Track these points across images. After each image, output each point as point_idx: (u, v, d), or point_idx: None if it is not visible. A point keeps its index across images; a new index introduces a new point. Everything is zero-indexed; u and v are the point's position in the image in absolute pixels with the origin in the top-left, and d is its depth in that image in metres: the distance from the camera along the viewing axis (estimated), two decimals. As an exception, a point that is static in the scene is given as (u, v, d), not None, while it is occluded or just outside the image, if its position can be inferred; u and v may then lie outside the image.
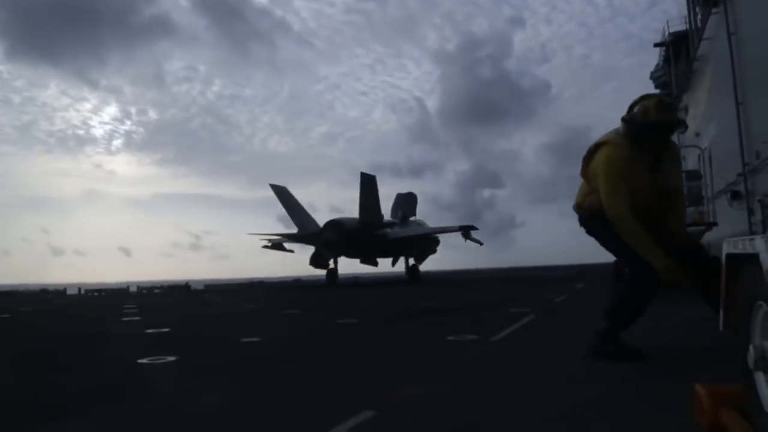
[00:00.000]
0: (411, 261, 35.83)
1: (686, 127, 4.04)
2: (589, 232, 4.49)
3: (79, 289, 40.32)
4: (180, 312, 13.69)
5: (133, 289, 40.73)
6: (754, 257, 1.74)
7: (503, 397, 3.14)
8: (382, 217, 31.39)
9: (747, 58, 11.92)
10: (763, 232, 10.05)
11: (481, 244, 35.38)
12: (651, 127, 3.71)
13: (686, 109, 21.35)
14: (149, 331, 7.93)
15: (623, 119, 3.88)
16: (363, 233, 30.23)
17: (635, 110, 3.79)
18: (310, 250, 32.65)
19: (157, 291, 39.22)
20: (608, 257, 5.31)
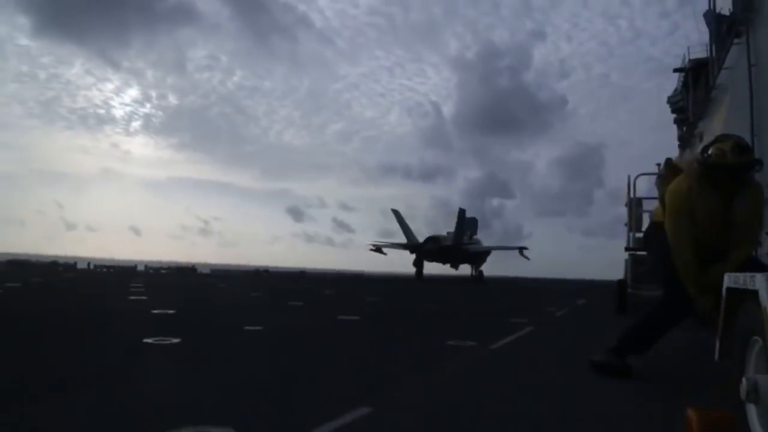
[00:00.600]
0: (476, 267, 53.20)
1: (762, 165, 4.03)
2: (648, 242, 4.65)
3: (89, 264, 40.74)
4: (186, 295, 13.84)
5: (140, 268, 41.07)
6: (753, 294, 1.79)
7: (498, 402, 3.20)
8: (466, 237, 50.14)
9: (765, 91, 11.87)
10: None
11: (528, 259, 53.97)
12: (727, 170, 3.69)
13: (701, 137, 21.25)
14: (156, 311, 8.05)
15: (697, 161, 3.85)
16: (454, 248, 48.29)
17: (710, 152, 3.75)
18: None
19: (164, 272, 39.56)
20: (609, 276, 5.42)
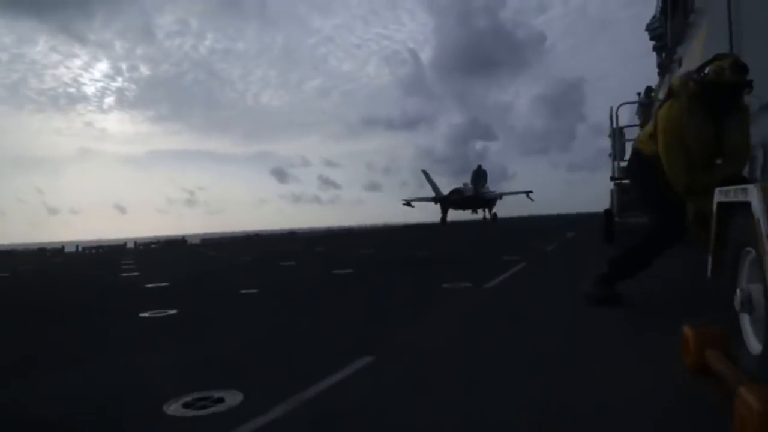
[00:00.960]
0: (490, 211, 67.50)
1: (752, 88, 3.96)
2: (632, 171, 4.53)
3: (77, 246, 40.30)
4: (178, 266, 13.80)
5: (130, 245, 40.78)
6: (745, 205, 1.78)
7: (496, 341, 3.24)
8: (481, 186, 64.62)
9: (744, 11, 11.74)
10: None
11: (533, 201, 69.28)
12: (724, 88, 3.64)
13: (680, 62, 21.01)
14: (149, 285, 8.02)
15: (693, 79, 3.79)
16: (474, 197, 63.53)
17: (707, 70, 3.69)
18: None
19: (153, 246, 39.34)
20: (596, 207, 5.45)
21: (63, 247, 40.44)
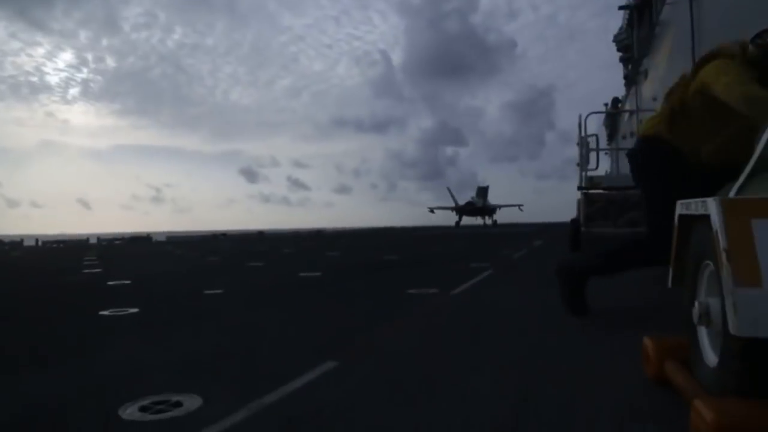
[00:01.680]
0: (492, 218, 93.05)
1: None
2: (642, 164, 3.64)
3: (37, 240, 39.09)
4: (142, 264, 13.52)
5: (93, 240, 39.79)
6: (705, 218, 1.82)
7: (461, 347, 3.25)
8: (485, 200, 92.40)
9: (707, 25, 12.08)
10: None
11: (522, 211, 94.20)
12: None
13: (645, 74, 21.59)
14: (111, 283, 7.83)
15: (757, 44, 3.13)
16: (482, 207, 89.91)
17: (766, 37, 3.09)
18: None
19: (117, 242, 38.47)
20: (563, 217, 5.46)
21: (22, 240, 39.22)
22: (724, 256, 1.66)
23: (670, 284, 2.38)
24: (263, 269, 10.25)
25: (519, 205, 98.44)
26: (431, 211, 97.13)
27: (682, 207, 2.16)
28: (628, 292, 5.20)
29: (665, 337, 2.49)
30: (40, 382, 2.77)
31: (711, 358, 1.98)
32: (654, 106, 17.56)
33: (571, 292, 3.98)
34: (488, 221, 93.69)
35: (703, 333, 2.07)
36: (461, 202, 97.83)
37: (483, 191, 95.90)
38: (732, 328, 1.62)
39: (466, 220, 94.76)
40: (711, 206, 1.76)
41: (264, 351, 3.35)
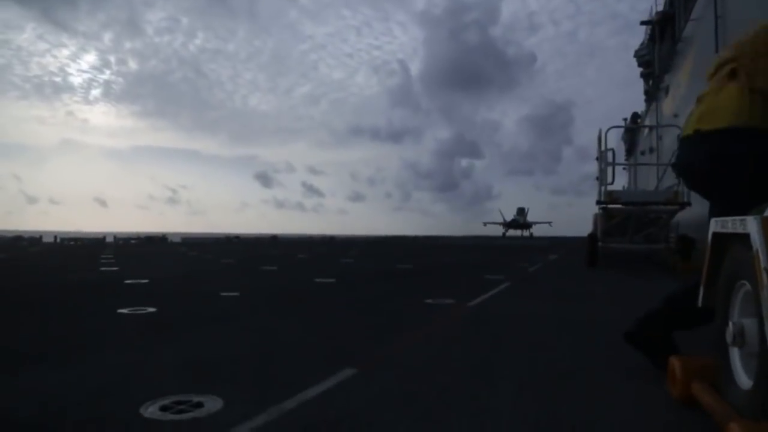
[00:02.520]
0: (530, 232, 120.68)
1: None
2: (713, 157, 2.61)
3: (55, 237, 39.58)
4: (158, 264, 13.62)
5: (109, 239, 40.20)
6: (742, 237, 1.78)
7: (478, 360, 3.21)
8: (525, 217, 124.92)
9: (730, 40, 11.97)
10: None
11: (551, 226, 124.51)
12: None
13: (667, 90, 21.46)
14: (128, 281, 7.88)
15: None
16: (524, 223, 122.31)
17: None
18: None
19: (133, 242, 38.84)
20: (580, 232, 5.31)
21: (41, 237, 39.75)
22: (765, 276, 1.62)
23: (700, 304, 2.33)
24: (278, 273, 10.27)
25: (549, 222, 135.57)
26: (485, 225, 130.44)
27: (716, 225, 2.12)
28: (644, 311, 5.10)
29: (692, 357, 2.44)
30: (62, 379, 2.77)
31: (744, 380, 1.93)
32: (675, 122, 17.41)
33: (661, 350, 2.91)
34: (526, 233, 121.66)
35: (735, 354, 2.02)
36: (508, 219, 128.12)
37: (522, 211, 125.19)
38: (771, 351, 1.58)
39: (510, 232, 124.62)
40: (751, 225, 1.72)
41: (283, 356, 3.34)
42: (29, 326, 4.38)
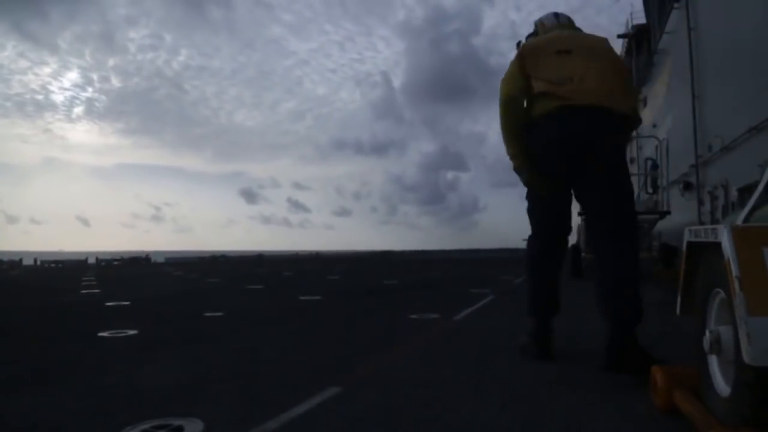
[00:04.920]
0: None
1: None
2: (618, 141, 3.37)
3: (35, 260, 39.01)
4: (141, 285, 13.45)
5: (91, 260, 39.68)
6: (716, 246, 1.80)
7: (465, 375, 3.20)
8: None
9: (705, 54, 12.25)
10: (711, 223, 10.47)
11: None
12: None
13: (645, 101, 21.88)
14: (109, 304, 7.77)
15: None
16: None
17: None
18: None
19: (116, 263, 38.37)
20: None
21: (21, 260, 39.11)
22: (736, 284, 1.65)
23: (678, 312, 2.35)
24: (263, 292, 10.20)
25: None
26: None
27: (690, 234, 2.15)
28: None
29: (674, 366, 2.46)
30: (37, 404, 2.72)
31: (723, 387, 1.95)
32: (654, 133, 17.74)
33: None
34: None
35: (714, 362, 2.04)
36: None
37: None
38: (746, 358, 1.60)
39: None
40: (722, 234, 1.75)
41: (266, 375, 3.30)
42: (3, 351, 4.29)
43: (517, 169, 3.57)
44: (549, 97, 3.26)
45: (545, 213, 3.65)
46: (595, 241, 3.44)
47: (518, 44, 3.80)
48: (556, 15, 3.81)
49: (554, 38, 3.54)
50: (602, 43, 3.52)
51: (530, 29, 4.03)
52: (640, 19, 24.66)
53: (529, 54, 3.47)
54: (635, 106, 3.50)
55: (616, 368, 3.11)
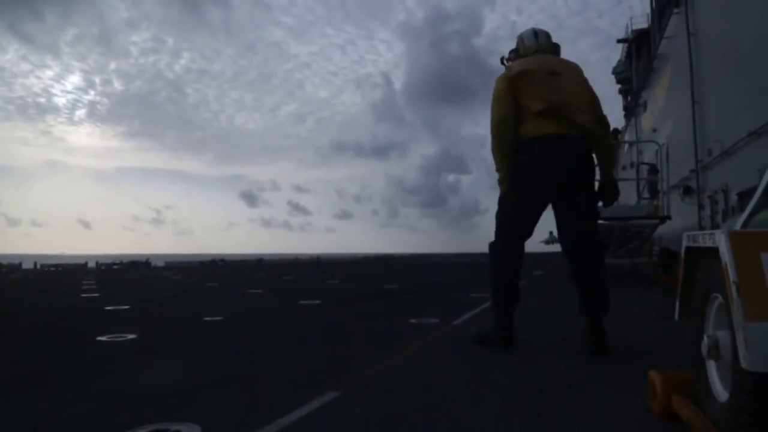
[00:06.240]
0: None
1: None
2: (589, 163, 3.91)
3: (35, 263, 38.97)
4: (140, 289, 13.44)
5: (91, 264, 39.66)
6: (713, 251, 1.80)
7: (464, 379, 3.20)
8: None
9: (704, 59, 12.29)
10: (712, 228, 10.47)
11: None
12: None
13: (645, 106, 21.93)
14: (109, 308, 7.77)
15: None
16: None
17: None
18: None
19: (116, 267, 38.36)
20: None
21: (20, 263, 39.07)
22: (734, 289, 1.65)
23: (677, 317, 2.35)
24: (263, 296, 10.19)
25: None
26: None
27: (688, 239, 2.15)
28: (630, 325, 5.15)
29: (672, 371, 2.45)
30: (35, 408, 2.71)
31: (721, 393, 1.95)
32: (654, 138, 17.76)
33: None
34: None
35: (712, 367, 2.04)
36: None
37: (554, 236, 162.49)
38: (743, 363, 1.60)
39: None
40: (720, 239, 1.75)
41: (264, 379, 3.30)
42: (1, 355, 4.29)
43: (500, 181, 3.97)
44: (544, 119, 3.66)
45: (515, 221, 4.02)
46: (572, 247, 4.00)
47: (502, 60, 4.21)
48: (535, 34, 4.17)
49: (545, 60, 3.94)
50: (581, 71, 4.00)
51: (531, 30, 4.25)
52: (640, 24, 24.72)
53: (520, 74, 3.81)
54: (607, 134, 4.11)
55: (602, 352, 3.73)
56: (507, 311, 4.09)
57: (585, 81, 3.94)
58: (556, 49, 4.19)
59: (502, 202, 4.06)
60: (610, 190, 4.03)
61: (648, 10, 21.89)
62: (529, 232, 4.08)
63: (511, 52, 4.23)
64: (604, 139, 4.00)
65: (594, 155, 3.88)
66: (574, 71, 3.93)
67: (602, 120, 3.98)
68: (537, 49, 4.08)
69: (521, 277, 4.17)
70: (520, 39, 4.21)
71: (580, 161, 3.76)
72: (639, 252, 12.41)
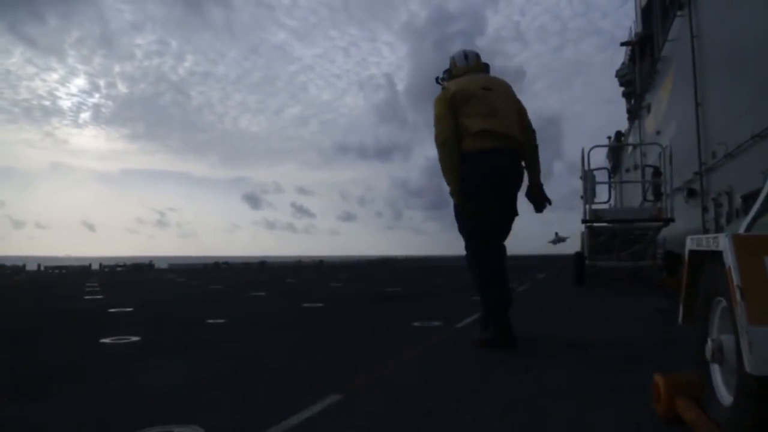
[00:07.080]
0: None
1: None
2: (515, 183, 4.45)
3: (39, 265, 39.02)
4: (144, 291, 13.46)
5: (95, 266, 39.69)
6: (717, 254, 1.80)
7: (467, 382, 3.20)
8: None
9: (708, 61, 12.25)
10: (716, 230, 10.43)
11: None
12: None
13: (648, 108, 21.88)
14: (112, 310, 7.78)
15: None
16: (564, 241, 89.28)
17: None
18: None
19: (119, 269, 38.39)
20: (568, 250, 5.43)
21: (24, 265, 39.13)
22: (738, 293, 1.64)
23: (680, 320, 2.35)
24: (266, 299, 10.19)
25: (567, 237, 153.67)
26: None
27: (692, 242, 2.14)
28: (634, 328, 5.14)
29: (676, 374, 2.45)
30: (37, 412, 2.72)
31: (725, 396, 1.94)
32: (657, 140, 17.72)
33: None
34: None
35: (716, 370, 2.04)
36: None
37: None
38: (747, 367, 1.59)
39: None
40: (723, 243, 1.74)
41: (267, 382, 3.30)
42: (4, 357, 4.30)
43: (452, 193, 4.26)
44: (482, 134, 4.07)
45: (476, 227, 4.29)
46: (486, 246, 4.33)
47: (437, 80, 4.63)
48: (466, 56, 4.57)
49: (477, 78, 4.38)
50: (509, 86, 4.48)
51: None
52: (636, 27, 24.67)
53: (457, 94, 4.17)
54: (534, 142, 4.47)
55: (512, 346, 4.13)
56: (501, 313, 4.21)
57: (513, 95, 4.41)
58: (486, 68, 4.61)
59: (457, 212, 4.37)
60: (539, 195, 4.46)
61: (639, 13, 21.93)
62: (498, 232, 4.40)
63: (445, 72, 4.65)
64: (532, 147, 4.41)
65: (522, 163, 4.37)
66: (504, 87, 4.40)
67: (528, 129, 4.40)
68: (467, 69, 4.48)
69: (509, 279, 4.38)
70: (452, 60, 4.60)
71: (514, 170, 4.31)
72: (643, 254, 12.37)
